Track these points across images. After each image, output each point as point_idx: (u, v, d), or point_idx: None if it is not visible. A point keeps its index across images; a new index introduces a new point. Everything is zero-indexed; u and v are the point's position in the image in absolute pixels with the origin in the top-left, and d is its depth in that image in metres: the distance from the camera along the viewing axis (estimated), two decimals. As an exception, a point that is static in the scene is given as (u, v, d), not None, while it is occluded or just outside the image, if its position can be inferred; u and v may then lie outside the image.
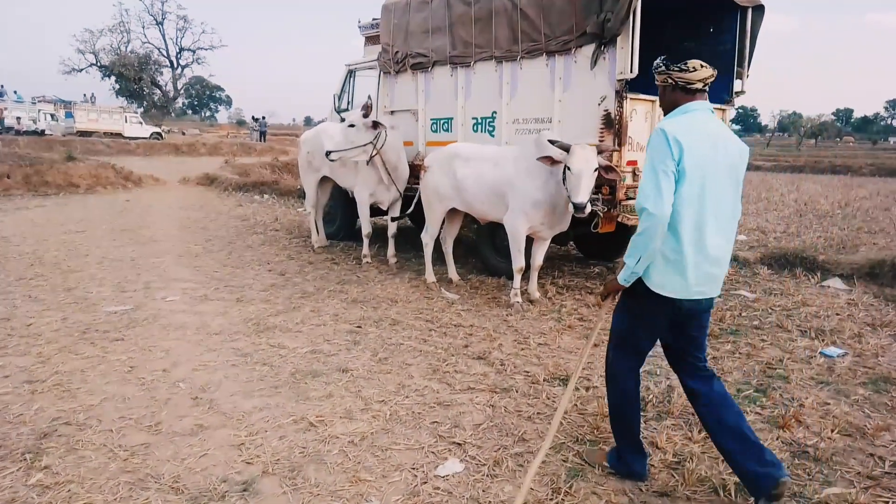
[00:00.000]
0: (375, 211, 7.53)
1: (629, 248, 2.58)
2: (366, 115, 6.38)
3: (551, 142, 5.01)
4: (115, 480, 2.77)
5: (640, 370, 2.92)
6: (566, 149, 4.83)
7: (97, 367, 4.05)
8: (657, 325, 2.73)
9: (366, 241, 7.29)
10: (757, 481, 2.52)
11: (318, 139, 7.69)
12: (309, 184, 8.11)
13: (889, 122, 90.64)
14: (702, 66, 2.64)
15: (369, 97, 6.98)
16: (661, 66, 2.73)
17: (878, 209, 11.31)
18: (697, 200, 2.49)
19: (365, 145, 6.40)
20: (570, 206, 4.84)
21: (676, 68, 2.66)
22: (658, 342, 2.85)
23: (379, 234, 7.99)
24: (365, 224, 7.26)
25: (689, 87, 2.64)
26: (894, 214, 10.35)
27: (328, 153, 6.39)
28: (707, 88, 2.67)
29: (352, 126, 6.35)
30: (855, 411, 3.52)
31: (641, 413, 3.43)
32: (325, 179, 7.99)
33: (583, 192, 4.67)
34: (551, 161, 4.95)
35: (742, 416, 2.67)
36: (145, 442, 3.11)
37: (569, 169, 4.76)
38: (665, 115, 2.74)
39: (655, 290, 2.57)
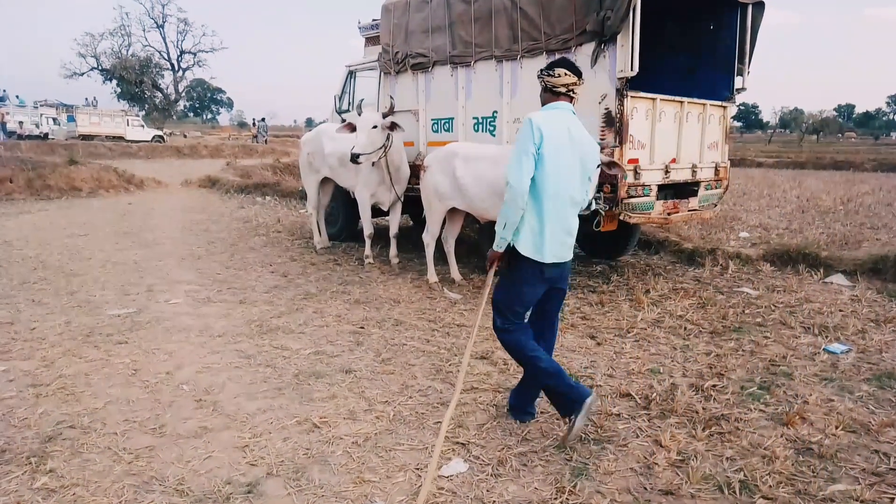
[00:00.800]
0: (377, 212, 7.53)
1: (498, 218, 3.08)
2: (384, 117, 6.36)
3: None
4: (120, 483, 2.77)
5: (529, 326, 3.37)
6: None
7: (101, 370, 4.06)
8: (532, 286, 3.19)
9: (368, 242, 7.28)
10: (572, 399, 3.06)
11: (319, 140, 7.71)
12: (310, 185, 8.10)
13: (891, 117, 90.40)
14: (565, 74, 3.12)
15: (392, 98, 6.93)
16: (540, 72, 3.22)
17: (881, 204, 11.28)
18: (554, 180, 3.02)
19: (381, 147, 6.41)
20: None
21: (546, 73, 3.15)
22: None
23: (381, 235, 7.99)
24: (367, 225, 7.26)
25: (554, 89, 3.14)
26: (897, 210, 10.32)
27: (355, 157, 6.13)
28: (571, 93, 3.16)
29: (375, 127, 6.29)
30: (859, 408, 3.52)
31: (645, 411, 3.46)
32: (326, 180, 7.99)
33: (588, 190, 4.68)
34: None
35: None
36: (150, 444, 3.12)
37: None
38: None
39: (525, 255, 3.09)
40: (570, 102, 3.17)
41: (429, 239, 6.43)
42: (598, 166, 3.27)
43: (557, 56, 5.77)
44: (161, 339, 4.65)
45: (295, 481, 2.80)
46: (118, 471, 2.88)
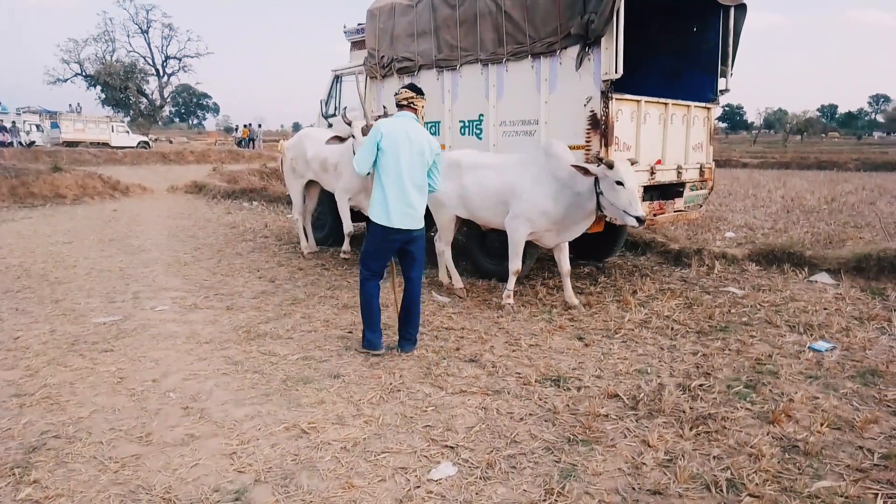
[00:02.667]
0: (357, 215, 7.55)
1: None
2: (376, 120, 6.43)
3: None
4: (106, 493, 2.75)
5: (381, 281, 4.49)
6: (608, 164, 4.89)
7: (86, 378, 4.02)
8: (385, 247, 4.35)
9: (347, 239, 7.36)
10: (403, 342, 4.47)
11: (302, 145, 7.73)
12: (295, 190, 8.09)
13: (873, 116, 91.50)
14: (405, 91, 4.42)
15: (385, 107, 7.03)
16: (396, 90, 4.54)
17: (864, 203, 11.41)
18: (395, 166, 4.19)
19: None
20: (626, 219, 4.93)
21: (396, 94, 4.50)
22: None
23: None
24: (346, 223, 7.28)
25: (399, 103, 4.43)
26: (879, 209, 10.44)
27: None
28: (412, 105, 4.39)
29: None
30: (844, 405, 3.55)
31: (633, 411, 3.48)
32: (312, 184, 7.98)
33: (640, 204, 4.95)
34: (585, 171, 5.01)
35: (418, 306, 4.50)
36: (136, 453, 3.09)
37: (620, 184, 4.84)
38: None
39: (376, 221, 4.24)
40: (413, 112, 4.40)
41: (443, 246, 6.31)
42: (436, 155, 4.31)
43: (543, 59, 5.84)
44: (147, 347, 4.61)
45: (283, 488, 2.78)
46: (104, 480, 2.85)
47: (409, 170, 4.21)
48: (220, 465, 2.98)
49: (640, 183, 5.78)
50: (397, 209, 4.20)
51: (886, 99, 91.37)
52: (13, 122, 32.09)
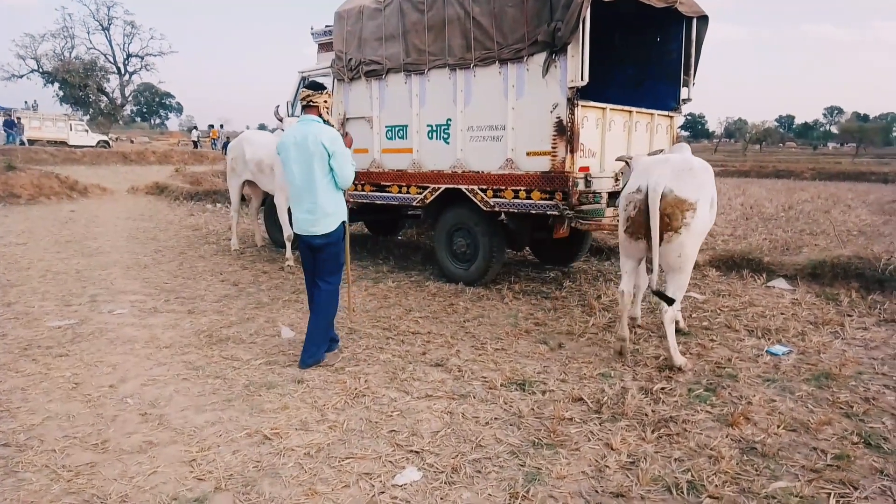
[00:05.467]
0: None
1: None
2: (281, 121, 6.96)
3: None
4: (59, 503, 2.65)
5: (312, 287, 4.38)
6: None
7: (39, 384, 3.89)
8: (304, 252, 4.35)
9: (288, 245, 7.63)
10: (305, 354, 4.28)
11: (240, 146, 8.22)
12: (233, 189, 8.65)
13: (828, 127, 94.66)
14: (303, 90, 4.27)
15: (288, 103, 7.75)
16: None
17: (819, 212, 11.76)
18: (290, 177, 4.21)
19: None
20: None
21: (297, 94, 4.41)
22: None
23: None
24: (285, 227, 7.55)
25: (303, 106, 4.29)
26: (833, 217, 10.78)
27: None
28: (312, 103, 4.24)
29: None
30: (799, 407, 3.65)
31: (597, 415, 3.51)
32: (256, 185, 8.40)
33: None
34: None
35: (322, 319, 4.30)
36: (91, 461, 3.00)
37: None
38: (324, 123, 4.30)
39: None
40: (315, 110, 4.26)
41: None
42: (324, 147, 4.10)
43: (510, 66, 5.88)
44: (104, 351, 4.49)
45: (244, 495, 2.73)
46: (56, 490, 2.76)
47: (302, 177, 4.16)
48: (180, 472, 2.91)
49: (605, 189, 5.86)
50: (300, 216, 4.22)
51: (840, 111, 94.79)
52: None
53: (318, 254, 4.25)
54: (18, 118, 31.85)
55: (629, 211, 4.33)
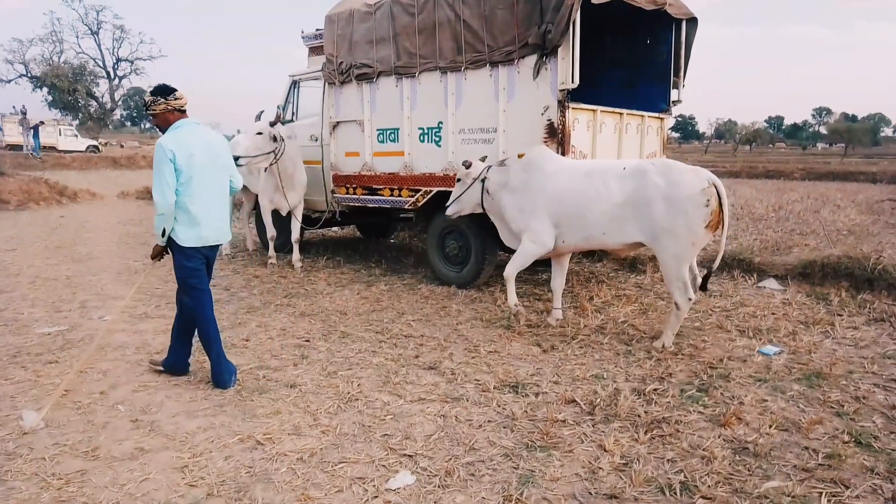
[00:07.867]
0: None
1: (155, 224, 3.85)
2: (272, 125, 6.97)
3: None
4: (49, 511, 2.63)
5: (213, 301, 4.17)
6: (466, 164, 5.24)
7: (29, 391, 3.86)
8: (196, 265, 3.94)
9: (270, 245, 7.74)
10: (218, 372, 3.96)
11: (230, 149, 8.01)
12: None
13: (816, 128, 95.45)
14: (183, 96, 3.85)
15: (279, 107, 7.67)
16: (159, 98, 3.80)
17: (809, 212, 11.84)
18: (196, 184, 3.77)
19: (268, 153, 6.95)
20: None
21: (173, 97, 3.81)
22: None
23: (341, 245, 7.89)
24: (269, 228, 7.68)
25: (181, 109, 3.86)
26: (823, 217, 10.85)
27: (236, 159, 6.49)
28: (181, 109, 3.85)
29: (259, 134, 6.92)
30: (791, 407, 3.67)
31: (589, 416, 3.52)
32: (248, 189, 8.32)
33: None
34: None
35: (211, 326, 4.01)
36: (81, 469, 2.97)
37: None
38: (163, 132, 3.86)
39: (185, 245, 3.83)
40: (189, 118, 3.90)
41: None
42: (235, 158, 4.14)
43: (501, 68, 5.90)
44: (94, 358, 4.45)
45: (237, 501, 2.71)
46: (46, 498, 2.73)
47: (212, 182, 3.90)
48: (171, 479, 2.89)
49: None
50: (209, 226, 3.89)
51: (829, 112, 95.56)
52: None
53: (214, 258, 4.13)
54: (41, 122, 31.04)
55: (713, 205, 4.48)
